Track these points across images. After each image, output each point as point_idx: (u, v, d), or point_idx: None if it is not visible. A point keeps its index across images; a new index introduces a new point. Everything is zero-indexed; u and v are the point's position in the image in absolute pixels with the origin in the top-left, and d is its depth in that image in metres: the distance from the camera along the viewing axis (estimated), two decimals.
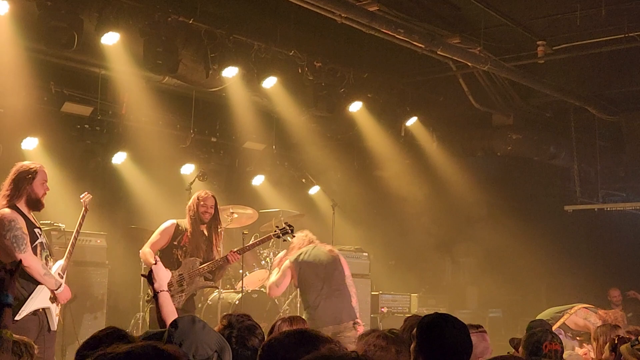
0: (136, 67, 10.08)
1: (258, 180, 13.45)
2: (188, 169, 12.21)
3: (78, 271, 9.92)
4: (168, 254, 8.25)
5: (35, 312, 6.58)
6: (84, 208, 7.50)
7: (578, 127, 14.66)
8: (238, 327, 4.27)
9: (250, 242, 9.17)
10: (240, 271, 10.65)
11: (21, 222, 6.55)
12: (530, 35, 11.52)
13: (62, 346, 9.49)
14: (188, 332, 3.55)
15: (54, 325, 6.78)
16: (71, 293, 7.03)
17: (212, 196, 8.41)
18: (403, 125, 13.69)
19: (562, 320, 9.31)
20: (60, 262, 7.02)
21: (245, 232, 10.26)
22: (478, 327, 5.09)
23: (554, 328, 7.72)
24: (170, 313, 4.68)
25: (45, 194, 6.82)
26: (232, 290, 10.76)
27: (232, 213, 10.63)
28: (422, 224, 14.62)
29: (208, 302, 10.50)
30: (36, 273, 6.55)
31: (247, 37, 10.77)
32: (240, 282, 10.57)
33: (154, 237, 8.40)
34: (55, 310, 6.80)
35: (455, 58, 11.67)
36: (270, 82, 11.16)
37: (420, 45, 10.85)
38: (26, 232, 6.55)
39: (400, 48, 11.18)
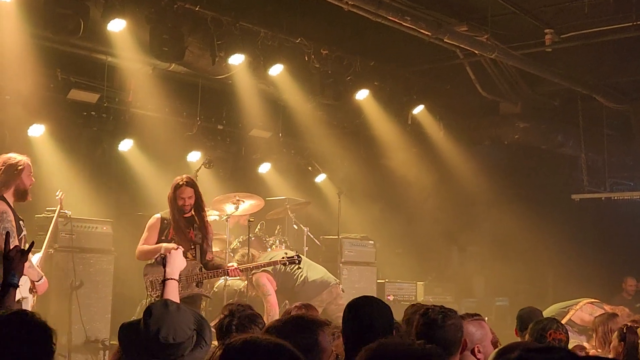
0: (142, 54, 10.08)
1: (264, 168, 13.46)
2: (194, 157, 12.21)
3: (84, 258, 9.95)
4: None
5: (18, 301, 6.70)
6: (59, 205, 7.84)
7: (586, 115, 14.60)
8: (239, 316, 4.27)
9: (256, 263, 9.19)
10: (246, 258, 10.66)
11: (11, 216, 6.71)
12: (538, 24, 11.46)
13: (68, 334, 9.53)
14: (163, 317, 3.53)
15: None
16: (47, 285, 7.24)
17: (188, 184, 8.08)
18: (410, 113, 13.65)
19: (568, 316, 9.30)
20: (39, 255, 7.16)
21: (251, 220, 10.28)
22: (474, 315, 5.10)
23: None
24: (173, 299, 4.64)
25: (31, 185, 6.99)
26: (238, 278, 10.75)
27: (239, 200, 10.63)
28: (428, 212, 14.60)
29: (214, 289, 10.50)
30: None
31: (253, 25, 10.75)
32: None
33: (144, 235, 8.29)
34: (30, 301, 7.00)
35: (462, 46, 11.62)
36: (276, 70, 11.14)
37: (427, 33, 10.82)
38: (15, 225, 6.72)
39: (407, 36, 11.14)
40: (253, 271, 9.40)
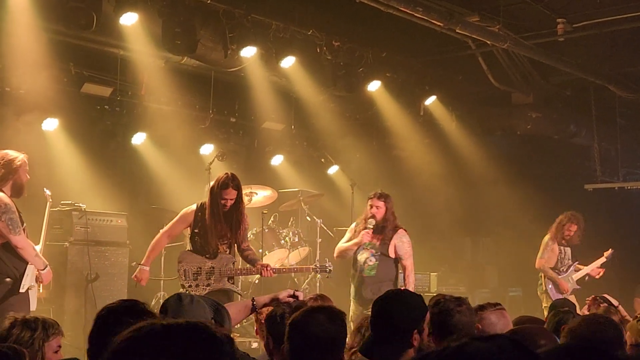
0: (155, 48, 10.10)
1: (277, 160, 13.47)
2: (207, 149, 12.24)
3: (99, 251, 10.02)
4: (192, 242, 8.29)
5: (28, 289, 7.04)
6: (49, 202, 8.02)
7: (598, 105, 14.56)
8: (288, 305, 4.40)
9: (289, 267, 9.46)
10: (260, 251, 10.70)
11: (14, 207, 6.95)
12: (550, 13, 11.43)
13: (84, 326, 9.59)
14: (178, 311, 3.57)
15: (34, 305, 7.22)
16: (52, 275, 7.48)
17: (235, 186, 8.07)
18: (422, 104, 13.64)
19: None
20: (38, 247, 7.39)
21: (264, 212, 10.32)
22: (496, 304, 5.11)
23: None
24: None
25: (26, 182, 7.22)
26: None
27: (252, 193, 10.69)
28: (441, 202, 14.60)
29: None
30: (28, 254, 7.04)
31: (265, 17, 10.75)
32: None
33: (172, 223, 8.39)
34: (36, 290, 7.21)
35: (474, 36, 11.60)
36: (288, 62, 11.15)
37: (439, 23, 10.80)
38: (19, 217, 6.97)
39: (418, 27, 11.13)
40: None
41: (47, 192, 8.07)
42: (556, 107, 14.52)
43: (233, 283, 8.37)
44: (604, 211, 15.06)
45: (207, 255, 8.15)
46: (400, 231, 9.42)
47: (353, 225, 9.65)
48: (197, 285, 8.10)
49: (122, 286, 10.10)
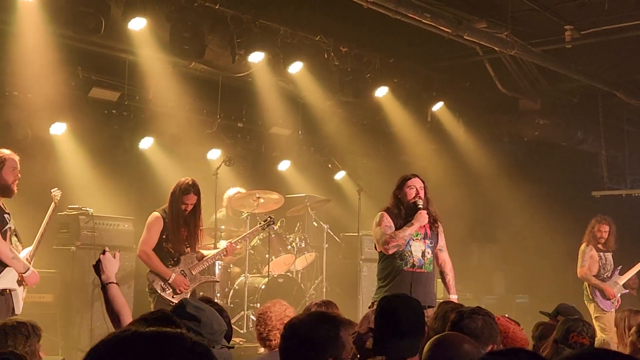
0: (163, 53, 10.13)
1: (284, 166, 13.48)
2: (214, 154, 12.25)
3: None
4: (159, 249, 8.19)
5: (2, 292, 6.76)
6: (53, 203, 7.64)
7: (606, 112, 14.55)
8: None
9: (244, 233, 9.28)
10: (267, 255, 10.70)
11: None
12: (557, 20, 11.43)
13: (90, 329, 9.61)
14: (207, 318, 3.64)
15: (19, 309, 6.91)
16: (39, 278, 7.17)
17: (195, 191, 8.10)
18: (429, 110, 13.65)
19: None
20: (29, 249, 7.17)
21: (271, 217, 10.29)
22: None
23: None
24: (123, 305, 4.61)
25: (16, 180, 6.93)
26: (259, 275, 10.80)
27: (259, 198, 10.68)
28: (447, 209, 14.54)
29: (235, 287, 10.55)
30: (4, 256, 6.74)
31: (273, 22, 10.78)
32: (267, 266, 10.63)
33: (145, 236, 8.24)
34: (21, 293, 6.96)
35: (482, 43, 11.60)
36: (296, 67, 11.17)
37: (446, 30, 10.81)
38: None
39: (426, 33, 11.14)
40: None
41: (55, 192, 7.77)
42: (564, 114, 14.51)
43: (204, 275, 8.45)
44: (610, 218, 15.01)
45: (170, 263, 8.16)
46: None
47: (382, 214, 7.86)
48: (179, 294, 8.13)
49: (129, 290, 10.10)
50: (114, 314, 4.55)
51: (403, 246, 7.62)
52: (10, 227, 6.89)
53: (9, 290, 6.83)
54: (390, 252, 7.66)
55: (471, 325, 4.47)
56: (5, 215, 6.86)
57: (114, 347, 1.80)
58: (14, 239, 6.96)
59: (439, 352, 3.68)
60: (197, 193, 8.12)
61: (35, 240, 7.26)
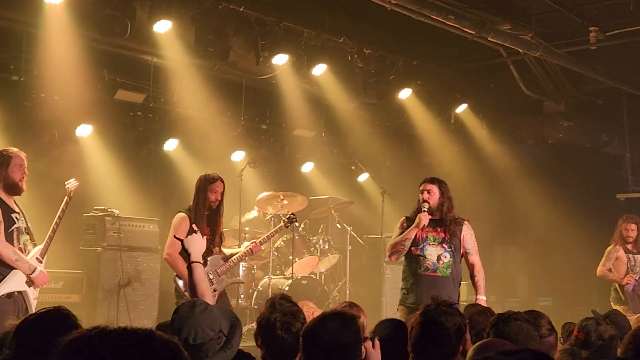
0: (188, 55, 10.20)
1: (308, 167, 13.51)
2: (238, 156, 12.30)
3: (131, 256, 10.10)
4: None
5: (10, 295, 6.63)
6: (67, 197, 7.17)
7: (630, 114, 14.47)
8: (281, 311, 4.26)
9: (268, 232, 8.92)
10: (290, 257, 10.74)
11: None
12: (582, 21, 11.39)
13: None
14: (187, 317, 3.57)
15: (32, 308, 6.72)
16: (49, 277, 7.02)
17: (221, 179, 7.81)
18: (453, 112, 13.64)
19: None
20: (40, 247, 7.00)
21: (293, 215, 10.31)
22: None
23: None
24: (203, 283, 4.65)
25: (24, 177, 6.77)
26: (282, 277, 10.84)
27: (282, 199, 10.72)
28: (471, 211, 14.50)
29: (259, 288, 10.59)
30: (7, 259, 6.59)
31: (297, 25, 10.82)
32: (290, 268, 10.66)
33: (172, 238, 7.71)
34: (32, 294, 6.82)
35: (506, 44, 11.58)
36: (320, 70, 11.20)
37: (470, 31, 10.80)
38: (1, 219, 6.59)
39: (450, 34, 11.13)
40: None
41: (69, 184, 7.19)
42: (588, 116, 14.45)
43: (230, 277, 8.26)
44: None
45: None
46: (466, 222, 8.12)
47: (401, 220, 8.08)
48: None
49: (154, 291, 10.17)
50: (195, 294, 4.60)
51: (406, 249, 7.78)
52: (18, 227, 6.75)
53: (18, 292, 6.70)
54: (392, 259, 8.07)
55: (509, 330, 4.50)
56: (13, 215, 6.73)
57: (84, 347, 1.79)
58: (24, 237, 6.82)
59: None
60: (223, 182, 7.82)
61: (46, 237, 7.07)
